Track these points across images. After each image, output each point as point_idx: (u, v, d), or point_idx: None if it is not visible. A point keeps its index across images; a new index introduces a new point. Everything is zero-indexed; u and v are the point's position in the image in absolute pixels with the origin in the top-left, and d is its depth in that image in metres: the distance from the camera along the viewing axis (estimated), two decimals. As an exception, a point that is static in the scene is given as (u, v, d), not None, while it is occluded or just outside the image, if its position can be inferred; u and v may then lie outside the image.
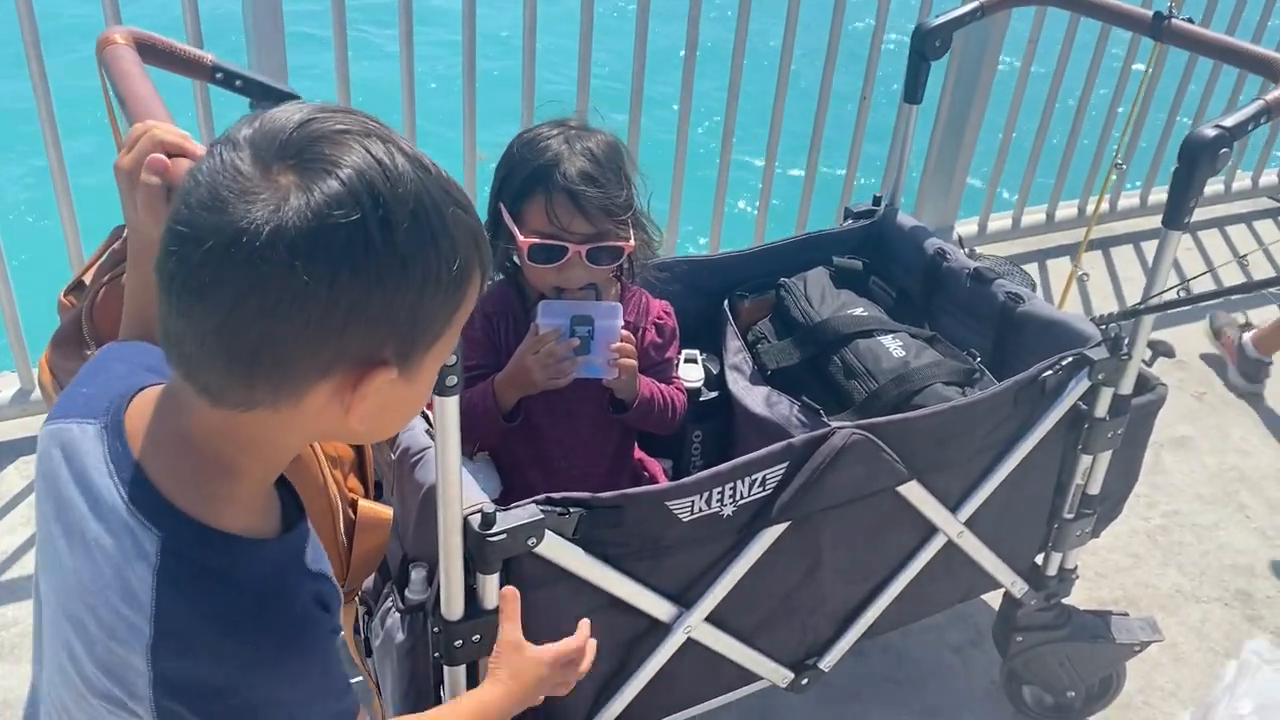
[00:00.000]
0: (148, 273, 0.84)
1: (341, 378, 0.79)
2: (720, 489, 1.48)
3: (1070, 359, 1.74)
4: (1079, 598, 2.43)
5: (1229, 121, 1.61)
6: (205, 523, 0.84)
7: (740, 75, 2.99)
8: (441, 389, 1.20)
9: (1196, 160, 1.60)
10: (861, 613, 1.78)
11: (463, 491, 1.31)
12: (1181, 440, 2.95)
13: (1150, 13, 1.88)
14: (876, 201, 2.19)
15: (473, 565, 1.36)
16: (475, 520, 1.34)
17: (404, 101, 2.70)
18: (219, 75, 1.48)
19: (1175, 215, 1.66)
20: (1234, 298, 1.81)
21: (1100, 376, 1.75)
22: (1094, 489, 1.90)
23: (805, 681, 1.78)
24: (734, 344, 1.97)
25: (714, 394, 1.98)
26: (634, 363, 1.68)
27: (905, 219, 2.14)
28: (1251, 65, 1.75)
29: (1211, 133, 1.60)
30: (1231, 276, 3.76)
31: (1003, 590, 1.98)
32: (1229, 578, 2.53)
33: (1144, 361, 2.06)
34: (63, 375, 1.30)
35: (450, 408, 1.21)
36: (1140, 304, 1.72)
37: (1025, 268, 2.29)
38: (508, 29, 3.19)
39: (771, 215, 3.30)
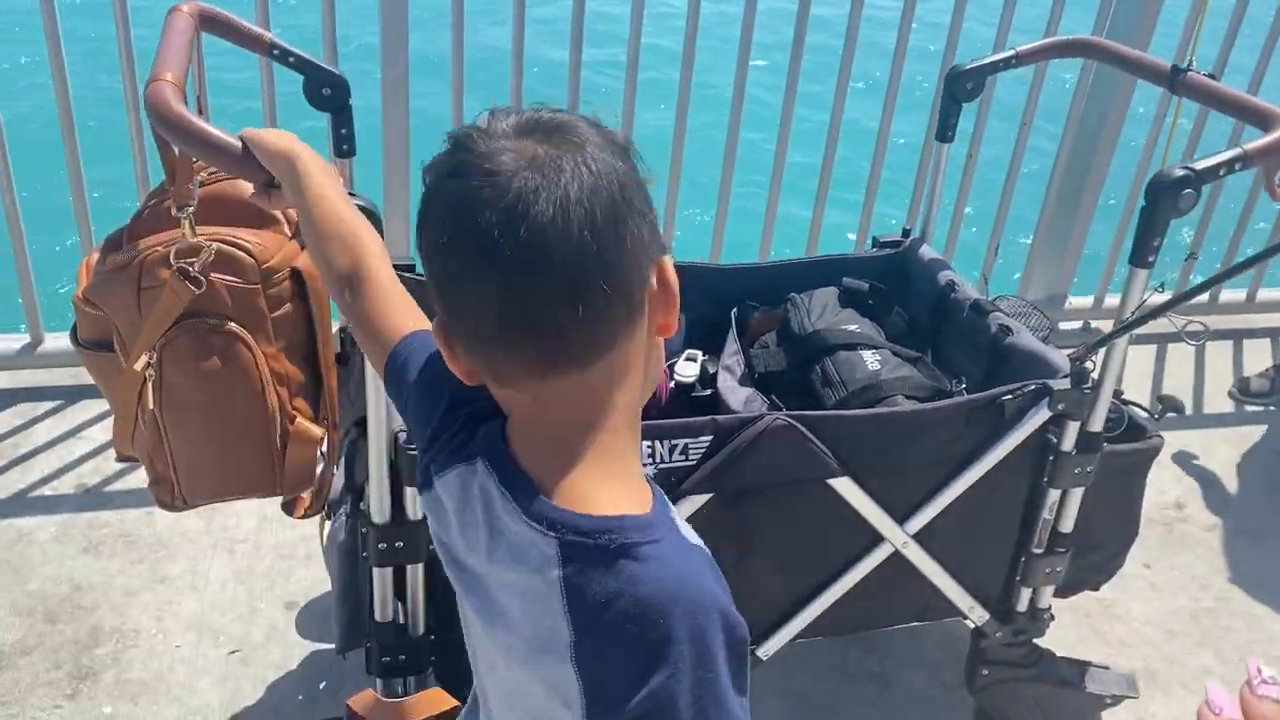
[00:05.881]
0: None
1: (652, 278, 0.89)
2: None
3: (1033, 387, 1.77)
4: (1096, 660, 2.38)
5: (1199, 165, 1.64)
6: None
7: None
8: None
9: (1158, 200, 1.63)
10: (802, 608, 1.85)
11: (392, 414, 1.52)
12: (1257, 532, 2.81)
13: (1169, 65, 1.90)
14: (905, 234, 2.27)
15: (401, 479, 1.56)
16: (402, 437, 1.53)
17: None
18: (275, 52, 1.76)
19: (1140, 253, 1.69)
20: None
21: (1061, 407, 1.77)
22: (1065, 526, 1.90)
23: (742, 665, 1.86)
24: (731, 346, 2.09)
25: (707, 392, 2.10)
26: None
27: (927, 251, 2.20)
28: (1250, 117, 1.75)
29: (1178, 174, 1.62)
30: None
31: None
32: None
33: (1151, 414, 2.05)
34: (88, 272, 1.58)
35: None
36: (1105, 336, 1.74)
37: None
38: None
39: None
